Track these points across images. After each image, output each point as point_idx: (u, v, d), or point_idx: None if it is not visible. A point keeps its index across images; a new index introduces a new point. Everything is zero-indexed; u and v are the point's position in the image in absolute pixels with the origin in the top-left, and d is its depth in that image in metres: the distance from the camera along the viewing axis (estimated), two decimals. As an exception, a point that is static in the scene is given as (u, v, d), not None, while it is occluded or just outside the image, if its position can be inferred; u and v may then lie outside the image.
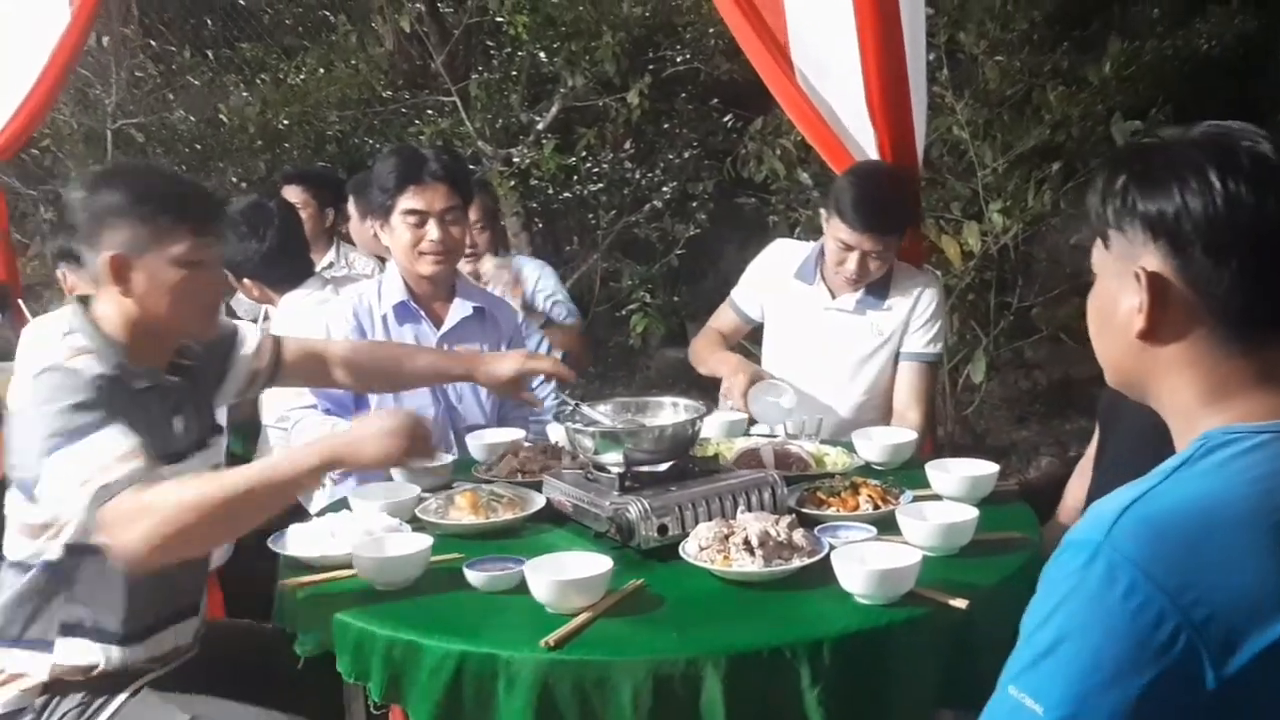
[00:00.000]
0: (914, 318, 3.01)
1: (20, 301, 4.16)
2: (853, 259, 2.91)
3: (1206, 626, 0.98)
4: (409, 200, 2.83)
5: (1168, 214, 1.10)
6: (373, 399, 2.82)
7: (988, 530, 2.05)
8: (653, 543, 2.01)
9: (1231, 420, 1.11)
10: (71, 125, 7.11)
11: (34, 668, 2.01)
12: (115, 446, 1.84)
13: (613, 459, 2.17)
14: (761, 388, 2.80)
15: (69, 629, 2.02)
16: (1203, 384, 1.13)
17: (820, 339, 3.02)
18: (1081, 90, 4.83)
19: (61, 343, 1.96)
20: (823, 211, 3.05)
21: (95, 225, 1.98)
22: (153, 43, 7.33)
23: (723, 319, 3.23)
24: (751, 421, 2.81)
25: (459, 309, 2.97)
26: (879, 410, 3.05)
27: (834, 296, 3.03)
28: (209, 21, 7.90)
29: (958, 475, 2.29)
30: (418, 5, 6.28)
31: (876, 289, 3.01)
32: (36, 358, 1.95)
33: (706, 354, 3.10)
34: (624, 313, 6.73)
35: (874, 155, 3.11)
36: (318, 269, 4.40)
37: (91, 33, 5.31)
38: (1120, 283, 1.16)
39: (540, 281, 4.01)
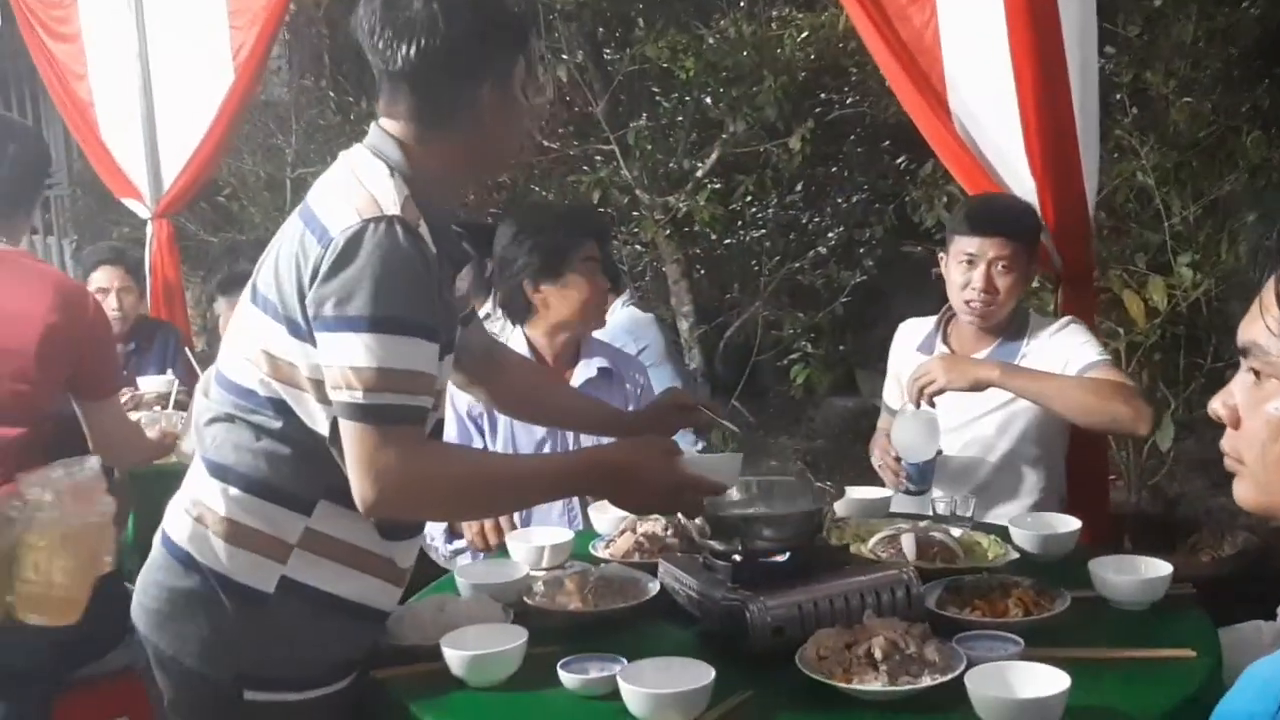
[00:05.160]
0: (1068, 350, 2.66)
1: (188, 352, 4.21)
2: (978, 273, 2.67)
3: None
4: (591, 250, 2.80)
5: None
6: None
7: (1155, 645, 1.81)
8: (766, 647, 1.82)
9: None
10: (258, 174, 7.37)
11: (288, 529, 1.82)
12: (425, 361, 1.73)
13: (729, 546, 2.00)
14: (902, 414, 2.60)
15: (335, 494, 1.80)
16: None
17: (952, 404, 2.67)
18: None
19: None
20: (942, 256, 2.81)
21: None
22: (332, 94, 7.54)
23: (883, 419, 3.01)
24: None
25: (584, 370, 2.87)
26: (1035, 462, 2.76)
27: None
28: (386, 73, 8.08)
29: (1125, 576, 2.04)
30: (579, 53, 6.26)
31: (1007, 344, 2.73)
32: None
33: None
34: (786, 362, 6.54)
35: (1035, 205, 2.86)
36: (475, 320, 4.37)
37: (261, 86, 5.49)
38: None
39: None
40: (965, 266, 2.70)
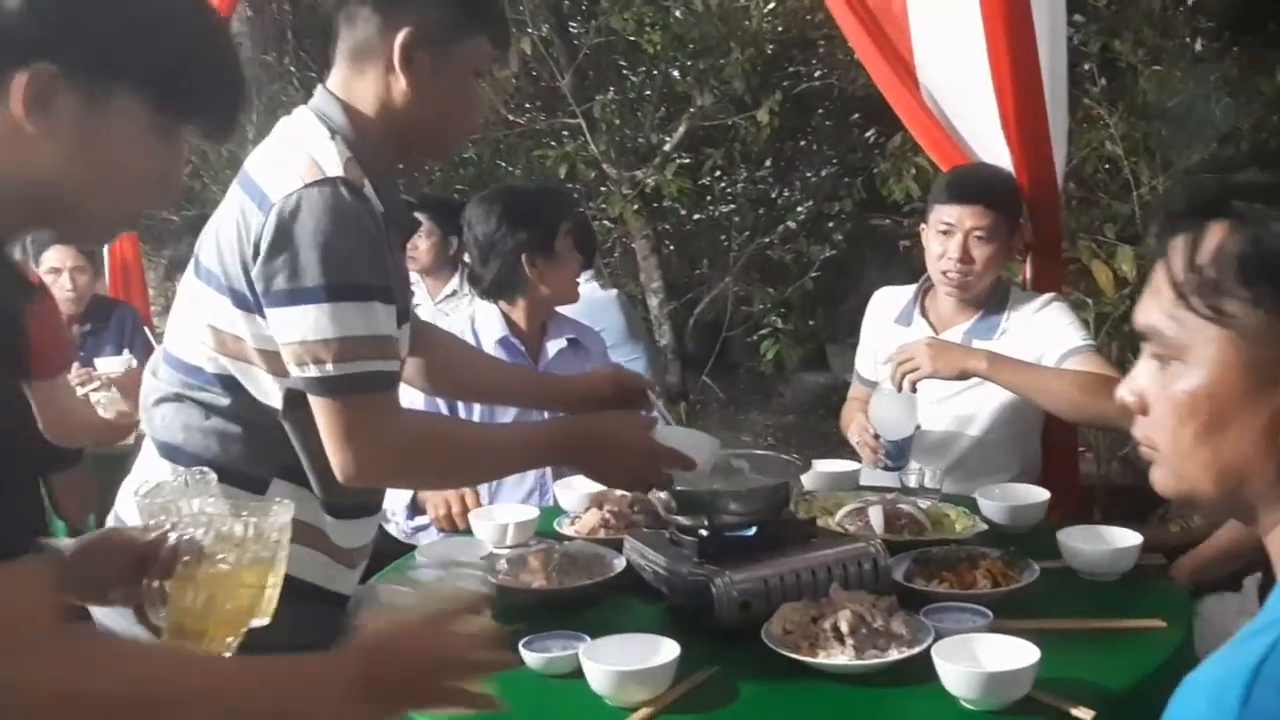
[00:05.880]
0: (1050, 330, 2.62)
1: (148, 331, 4.13)
2: (954, 243, 2.61)
3: None
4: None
5: None
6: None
7: (1125, 616, 1.79)
8: (733, 622, 1.79)
9: None
10: (219, 151, 7.25)
11: None
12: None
13: (696, 520, 1.96)
14: (880, 391, 2.55)
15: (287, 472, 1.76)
16: None
17: (928, 381, 2.57)
18: (1254, 102, 4.41)
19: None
20: (923, 227, 2.77)
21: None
22: (294, 70, 7.44)
23: (855, 389, 2.95)
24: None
25: (556, 343, 2.86)
26: (1012, 437, 2.73)
27: (936, 333, 2.73)
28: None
29: (1094, 547, 2.02)
30: (544, 26, 6.19)
31: (987, 318, 2.68)
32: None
33: (849, 421, 2.83)
34: (756, 337, 6.52)
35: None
36: (439, 298, 4.31)
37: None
38: (1260, 372, 0.90)
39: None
40: (943, 236, 2.65)
